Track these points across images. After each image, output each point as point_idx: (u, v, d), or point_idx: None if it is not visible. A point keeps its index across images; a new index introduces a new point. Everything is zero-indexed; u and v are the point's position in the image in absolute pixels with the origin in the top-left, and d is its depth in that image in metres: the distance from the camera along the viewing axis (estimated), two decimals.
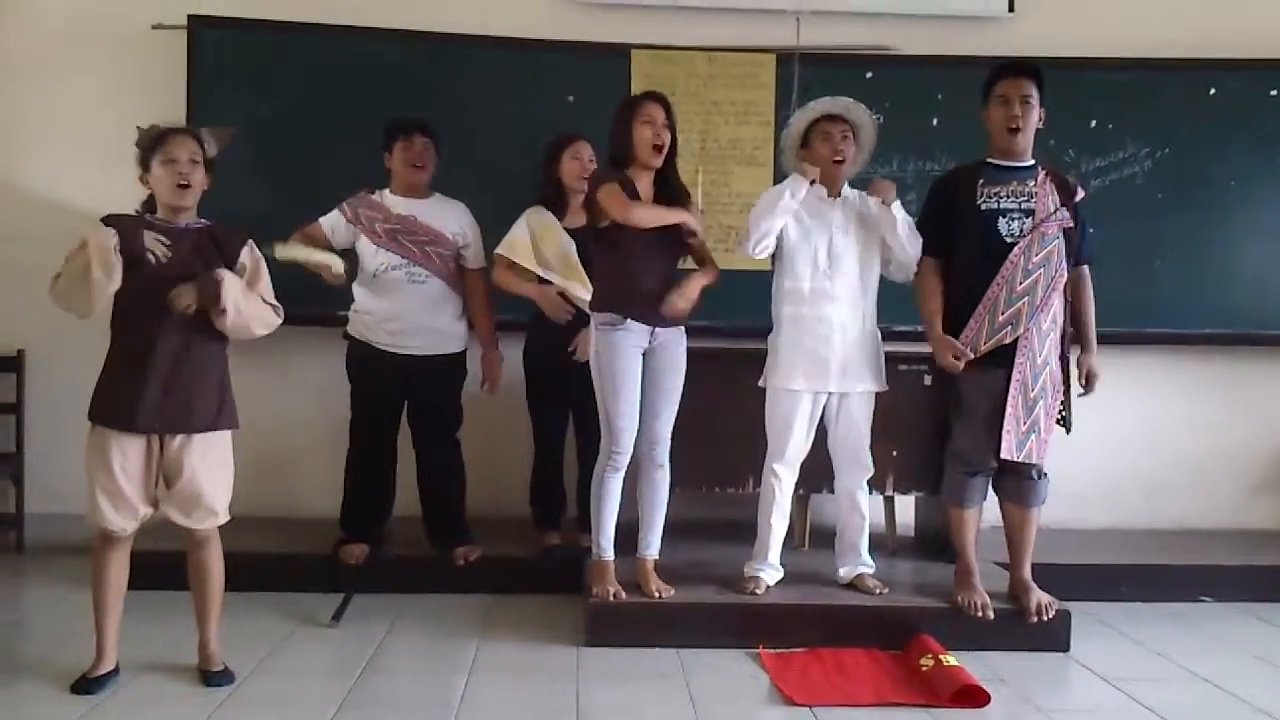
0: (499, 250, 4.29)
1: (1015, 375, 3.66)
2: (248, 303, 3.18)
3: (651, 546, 3.84)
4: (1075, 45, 4.98)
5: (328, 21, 4.82)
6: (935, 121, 5.02)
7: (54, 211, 4.75)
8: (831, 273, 3.81)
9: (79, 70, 4.86)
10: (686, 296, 3.70)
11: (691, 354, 3.84)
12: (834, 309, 3.81)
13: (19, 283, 4.73)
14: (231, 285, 3.12)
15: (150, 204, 3.22)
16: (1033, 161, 3.76)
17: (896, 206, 3.79)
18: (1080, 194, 3.80)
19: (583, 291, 4.13)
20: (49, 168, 4.86)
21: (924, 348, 3.91)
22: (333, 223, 4.25)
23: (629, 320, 3.69)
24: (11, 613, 4.08)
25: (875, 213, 3.83)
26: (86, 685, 3.15)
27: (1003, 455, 3.68)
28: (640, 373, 3.73)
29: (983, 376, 3.70)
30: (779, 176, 4.73)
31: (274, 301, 3.30)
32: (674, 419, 3.80)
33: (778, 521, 3.91)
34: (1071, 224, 3.72)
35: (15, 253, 4.75)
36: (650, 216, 3.67)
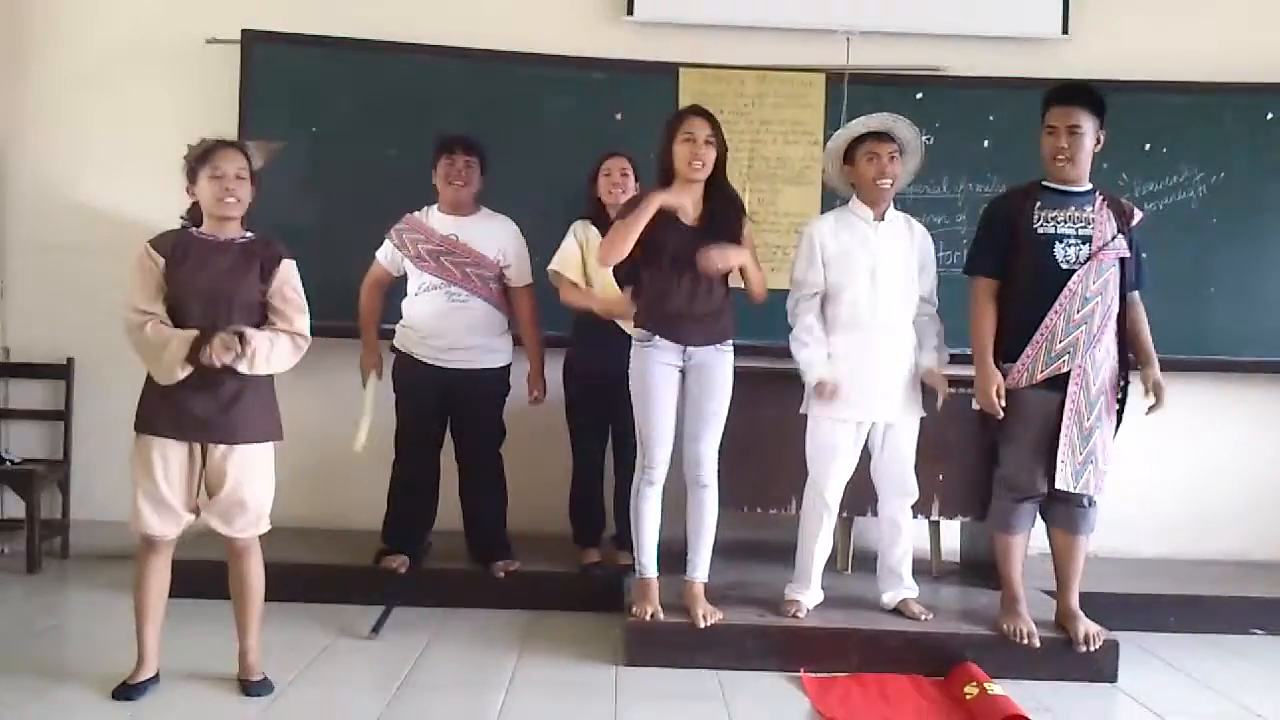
0: (554, 268, 4.28)
1: (1069, 404, 3.58)
2: (272, 350, 3.15)
3: (699, 569, 3.78)
4: (1130, 68, 4.91)
5: (379, 38, 4.86)
6: (986, 143, 4.98)
7: (108, 223, 4.82)
8: (875, 300, 3.77)
9: (135, 84, 4.94)
10: (725, 257, 3.63)
11: (734, 373, 3.79)
12: (878, 337, 3.77)
13: (71, 291, 4.82)
14: (259, 344, 3.12)
15: (194, 213, 3.24)
16: (1090, 187, 3.66)
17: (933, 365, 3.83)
18: (1138, 216, 3.71)
19: (621, 307, 4.12)
20: (104, 179, 4.93)
21: (971, 370, 3.85)
22: (387, 253, 4.35)
23: (657, 337, 3.68)
24: (55, 618, 4.11)
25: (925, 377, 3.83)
26: (127, 691, 3.18)
27: (1058, 485, 3.60)
28: (675, 391, 3.71)
29: (1036, 398, 3.62)
30: (826, 195, 4.72)
31: (301, 330, 3.23)
32: (717, 441, 3.75)
33: (820, 550, 3.87)
34: (1127, 253, 3.62)
35: (68, 262, 4.83)
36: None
